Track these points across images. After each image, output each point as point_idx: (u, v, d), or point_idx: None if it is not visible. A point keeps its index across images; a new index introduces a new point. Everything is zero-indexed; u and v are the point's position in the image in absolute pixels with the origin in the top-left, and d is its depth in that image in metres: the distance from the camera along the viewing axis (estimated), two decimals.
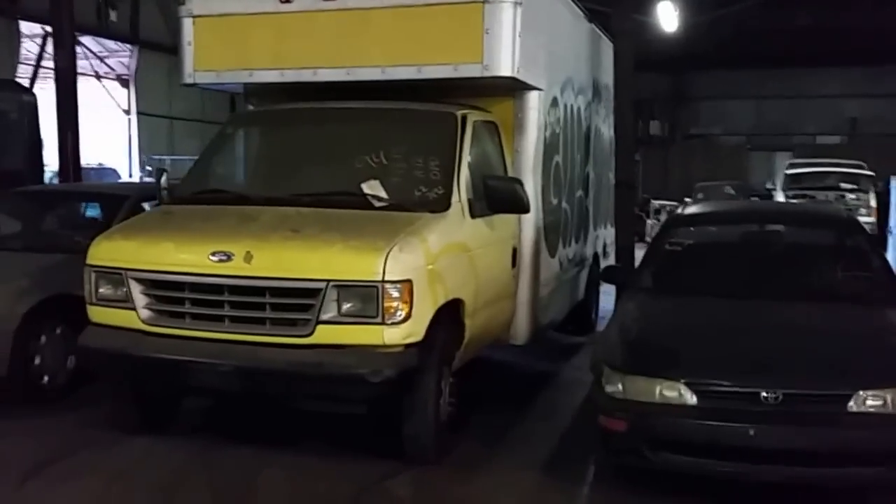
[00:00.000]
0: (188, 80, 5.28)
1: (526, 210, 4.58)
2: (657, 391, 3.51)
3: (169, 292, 4.05)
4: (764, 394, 3.33)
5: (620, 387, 3.58)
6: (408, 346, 3.80)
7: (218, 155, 5.11)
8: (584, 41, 7.02)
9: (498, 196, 4.47)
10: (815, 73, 22.49)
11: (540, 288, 5.40)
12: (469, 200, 4.48)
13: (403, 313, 3.75)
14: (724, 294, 4.20)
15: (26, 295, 5.06)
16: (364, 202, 4.34)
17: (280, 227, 4.09)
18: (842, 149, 21.84)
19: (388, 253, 3.77)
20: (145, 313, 4.07)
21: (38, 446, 4.39)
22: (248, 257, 3.87)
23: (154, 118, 23.91)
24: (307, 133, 4.92)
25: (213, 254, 3.92)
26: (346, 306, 3.77)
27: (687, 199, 16.10)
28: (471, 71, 4.70)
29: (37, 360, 5.09)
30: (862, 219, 15.23)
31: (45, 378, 5.17)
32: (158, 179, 5.19)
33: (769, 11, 19.85)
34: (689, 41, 16.99)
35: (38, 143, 12.00)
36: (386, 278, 3.73)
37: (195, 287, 3.98)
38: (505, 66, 4.68)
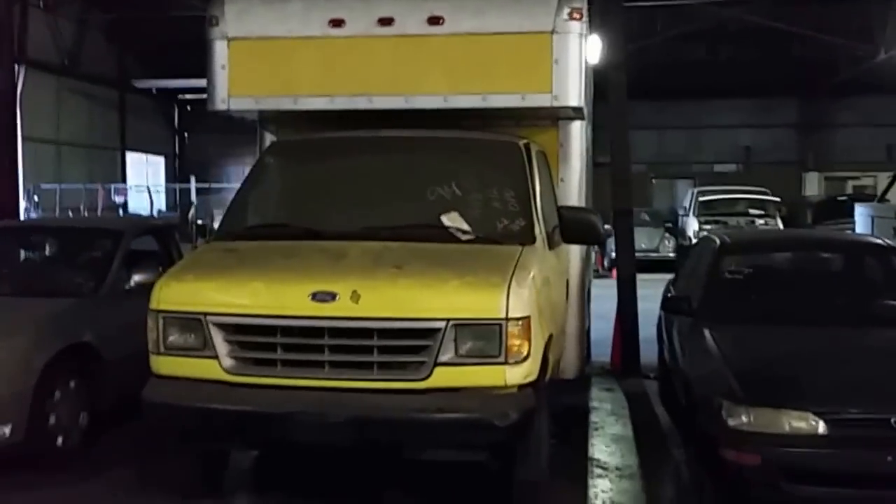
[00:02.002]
0: (221, 107, 4.89)
1: (602, 241, 4.55)
2: (786, 422, 3.52)
3: (258, 338, 3.66)
4: (893, 420, 3.43)
5: (745, 419, 3.57)
6: (523, 386, 3.64)
7: (262, 186, 4.72)
8: None
9: (575, 227, 4.40)
10: (712, 104, 23.98)
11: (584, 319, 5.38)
12: (546, 232, 4.39)
13: (525, 352, 3.58)
14: (804, 321, 4.31)
15: (42, 346, 4.48)
16: (446, 235, 4.13)
17: (377, 263, 3.83)
18: (738, 176, 23.44)
19: (509, 288, 3.60)
20: (228, 362, 3.66)
21: None
22: (356, 297, 3.57)
23: (40, 143, 22.26)
24: (366, 163, 4.65)
25: (314, 294, 3.59)
26: (465, 346, 3.54)
27: (607, 226, 16.71)
28: (540, 101, 4.64)
29: (51, 419, 4.50)
30: None
31: (60, 439, 4.58)
32: (187, 214, 4.78)
33: (672, 46, 21.29)
34: (597, 75, 17.76)
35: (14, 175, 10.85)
36: (509, 315, 3.55)
37: (290, 331, 3.62)
38: (573, 96, 4.66)
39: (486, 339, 3.54)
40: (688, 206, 18.91)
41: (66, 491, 4.19)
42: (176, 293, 3.80)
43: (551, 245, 4.44)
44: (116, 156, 26.85)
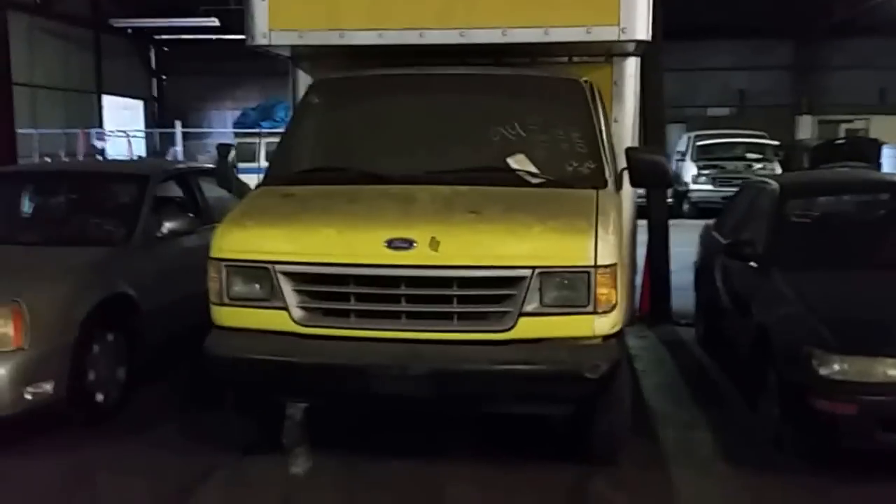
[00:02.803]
0: (262, 41, 4.53)
1: (671, 184, 4.34)
2: (881, 370, 3.41)
3: (330, 288, 3.43)
4: None
5: (838, 368, 3.45)
6: (607, 336, 3.47)
7: (310, 127, 4.40)
8: None
9: (644, 169, 4.17)
10: (705, 46, 23.58)
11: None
12: (614, 175, 4.18)
13: (613, 301, 3.40)
14: (879, 265, 4.18)
15: (81, 299, 4.21)
16: (514, 178, 3.89)
17: (451, 209, 3.59)
18: (731, 120, 23.23)
19: (597, 235, 3.40)
20: (298, 313, 3.43)
21: (153, 479, 3.66)
22: (434, 244, 3.34)
23: (14, 86, 21.33)
24: (422, 102, 4.34)
25: (390, 241, 3.35)
26: (552, 296, 3.34)
27: None
28: (606, 34, 4.35)
29: (91, 375, 4.26)
30: None
31: (100, 395, 4.35)
32: (225, 156, 4.48)
33: None
34: None
35: None
36: (598, 262, 3.35)
37: (364, 280, 3.40)
38: (641, 29, 4.38)
39: (574, 287, 3.35)
40: (684, 151, 18.71)
41: (111, 449, 3.99)
42: (240, 241, 3.54)
43: (616, 188, 4.24)
44: (93, 99, 25.91)
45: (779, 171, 17.30)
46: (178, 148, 21.27)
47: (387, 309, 3.42)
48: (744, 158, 17.92)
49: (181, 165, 6.42)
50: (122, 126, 25.57)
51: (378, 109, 4.39)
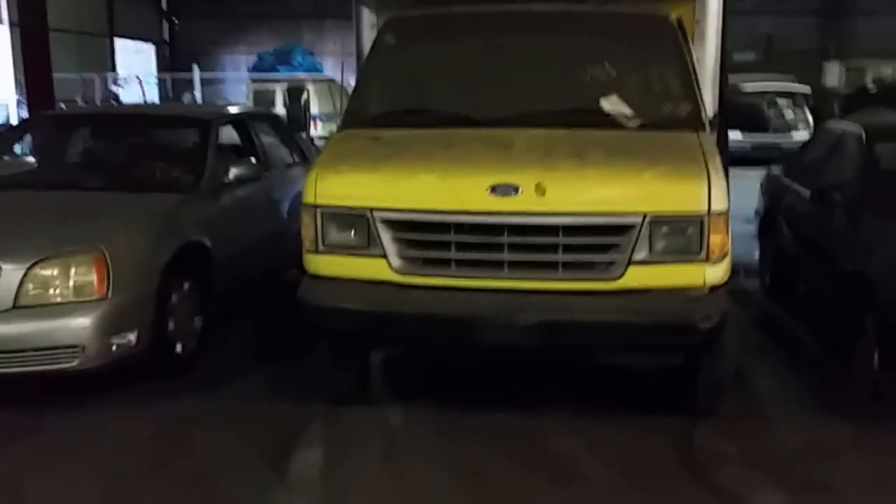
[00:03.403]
0: None
1: (768, 128, 4.16)
2: None
3: (431, 236, 3.32)
4: None
5: None
6: (715, 287, 3.35)
7: (388, 68, 4.21)
8: None
9: (743, 111, 4.02)
10: None
11: None
12: (708, 117, 4.00)
13: (725, 249, 3.28)
14: None
15: (161, 247, 4.10)
16: (609, 121, 3.74)
17: (553, 153, 3.44)
18: (757, 65, 22.64)
19: (709, 180, 3.26)
20: (397, 262, 3.34)
21: (250, 430, 3.60)
22: (540, 190, 3.21)
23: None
24: (505, 41, 4.13)
25: (494, 187, 3.22)
26: (663, 244, 3.23)
27: None
28: None
29: (170, 325, 4.17)
30: (800, 133, 16.04)
31: (179, 345, 4.27)
32: (298, 98, 4.32)
33: None
34: None
35: None
36: (712, 209, 3.23)
37: (466, 228, 3.28)
38: None
39: (686, 235, 3.23)
40: None
41: (199, 401, 3.93)
42: (337, 187, 3.42)
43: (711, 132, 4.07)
44: (105, 43, 25.44)
45: (809, 118, 16.99)
46: (197, 94, 20.89)
47: (489, 258, 3.31)
48: (774, 104, 17.55)
49: (240, 110, 6.21)
50: (134, 71, 25.17)
51: (460, 48, 4.19)
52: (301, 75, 20.71)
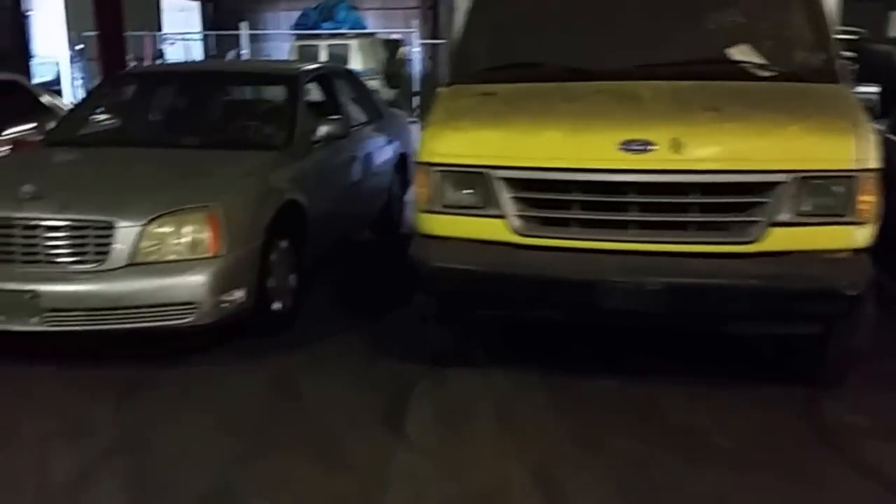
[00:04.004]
0: None
1: None
2: None
3: (553, 195, 3.19)
4: None
5: None
6: (859, 250, 3.15)
7: (494, 19, 4.03)
8: None
9: (878, 63, 3.76)
10: None
11: None
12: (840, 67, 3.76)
13: (875, 210, 3.09)
14: None
15: (265, 204, 4.04)
16: (739, 72, 3.54)
17: (685, 106, 3.27)
18: None
19: (861, 136, 3.06)
20: (517, 222, 3.22)
21: (359, 389, 3.57)
22: (676, 146, 3.05)
23: None
24: None
25: (625, 143, 3.07)
26: (809, 204, 3.04)
27: None
28: None
29: (270, 283, 4.15)
30: None
31: (277, 304, 4.24)
32: (394, 53, 4.18)
33: None
34: None
35: (21, 21, 10.16)
36: (863, 167, 3.03)
37: (592, 187, 3.14)
38: None
39: (835, 195, 3.04)
40: None
41: (302, 358, 3.91)
42: (454, 144, 3.30)
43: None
44: (152, 2, 25.36)
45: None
46: (245, 51, 20.79)
47: (615, 218, 3.17)
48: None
49: (324, 67, 6.09)
50: (178, 29, 25.13)
51: None
52: (345, 31, 20.55)
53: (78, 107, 5.22)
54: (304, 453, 3.03)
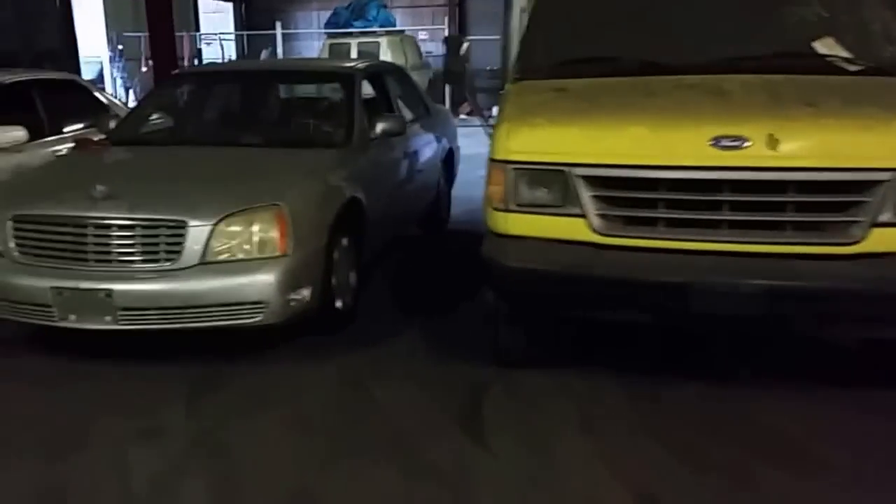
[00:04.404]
0: None
1: None
2: None
3: (638, 193, 3.07)
4: None
5: None
6: None
7: (562, 12, 3.95)
8: None
9: None
10: None
11: None
12: None
13: None
14: None
15: (329, 203, 4.00)
16: (826, 65, 3.41)
17: (778, 101, 3.14)
18: None
19: None
20: (598, 221, 3.12)
21: (430, 389, 3.50)
22: (772, 142, 2.92)
23: None
24: None
25: (717, 140, 2.95)
26: None
27: None
28: None
29: (333, 281, 4.10)
30: None
31: (339, 302, 4.19)
32: (456, 50, 4.11)
33: None
34: None
35: (70, 20, 10.27)
36: None
37: (681, 185, 3.02)
38: None
39: None
40: None
41: (367, 357, 3.86)
42: (532, 141, 3.19)
43: None
44: (189, 2, 25.61)
45: None
46: (279, 50, 20.91)
47: (706, 217, 3.04)
48: None
49: (378, 65, 6.04)
50: (213, 29, 25.36)
51: None
52: (376, 29, 20.59)
53: (139, 106, 5.22)
54: (384, 458, 2.96)
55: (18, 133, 4.89)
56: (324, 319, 4.01)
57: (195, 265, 3.48)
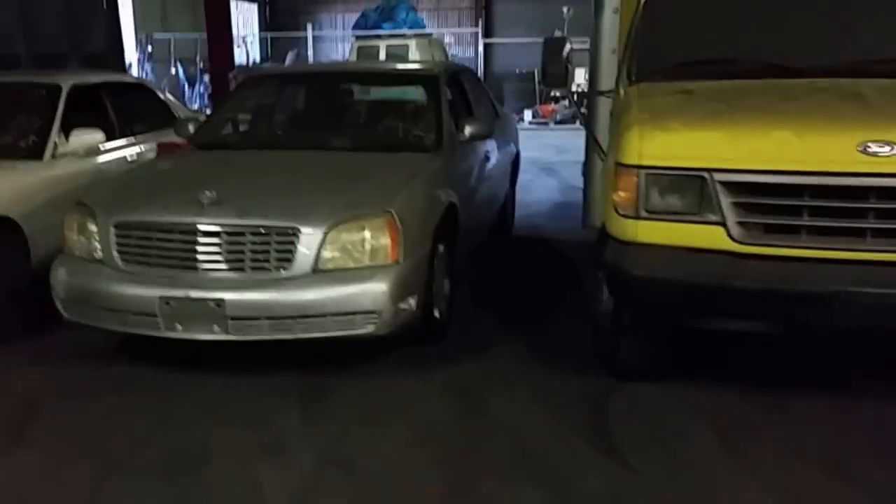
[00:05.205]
0: None
1: None
2: None
3: (780, 200, 2.94)
4: None
5: None
6: None
7: (676, 13, 3.83)
8: None
9: None
10: None
11: None
12: None
13: None
14: None
15: (432, 208, 3.90)
16: None
17: None
18: None
19: None
20: (737, 229, 2.99)
21: (544, 400, 3.40)
22: None
23: None
24: None
25: (864, 145, 2.81)
26: None
27: None
28: None
29: (433, 289, 3.98)
30: None
31: (437, 310, 4.08)
32: (559, 51, 4.00)
33: None
34: None
35: (117, 22, 10.23)
36: None
37: (825, 191, 2.88)
38: None
39: None
40: None
41: (470, 366, 3.77)
42: (668, 146, 3.06)
43: None
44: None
45: None
46: (310, 52, 20.90)
47: (851, 225, 2.91)
48: None
49: (457, 65, 5.94)
50: (239, 30, 25.36)
51: None
52: (405, 31, 20.55)
53: (218, 109, 5.13)
54: (527, 481, 2.81)
55: (97, 136, 4.82)
56: (424, 328, 3.89)
57: (307, 273, 3.38)
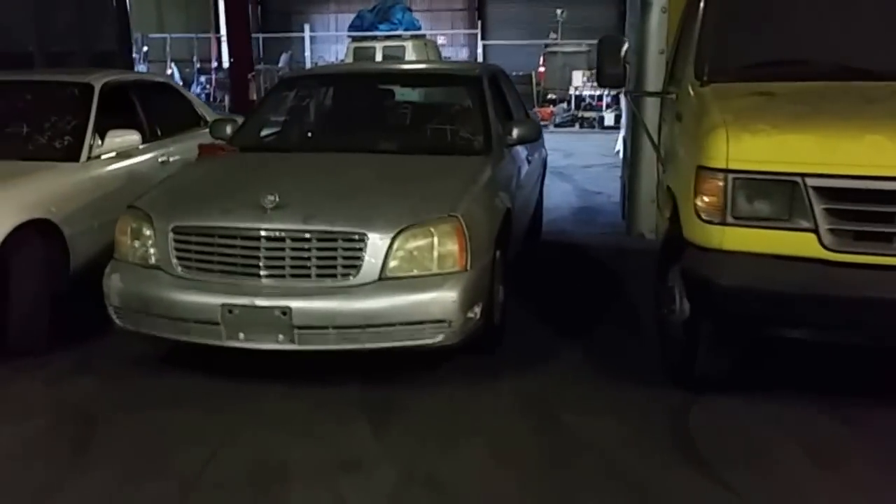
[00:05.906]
0: None
1: None
2: None
3: (876, 206, 2.86)
4: None
5: None
6: None
7: (739, 13, 3.76)
8: None
9: None
10: None
11: None
12: None
13: None
14: None
15: (493, 212, 3.80)
16: None
17: None
18: None
19: None
20: (829, 236, 2.91)
21: (613, 411, 3.31)
22: None
23: None
24: None
25: None
26: None
27: None
28: None
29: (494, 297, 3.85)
30: None
31: (496, 317, 3.98)
32: (617, 51, 3.92)
33: None
34: None
35: (126, 22, 10.07)
36: None
37: None
38: None
39: None
40: None
41: (534, 378, 3.66)
42: (756, 149, 2.97)
43: None
44: (210, 3, 25.41)
45: None
46: (307, 53, 20.75)
47: None
48: None
49: (493, 66, 5.83)
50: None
51: None
52: (401, 32, 20.47)
53: (257, 111, 4.98)
54: (622, 499, 2.71)
55: (134, 137, 4.66)
56: (484, 337, 3.74)
57: (375, 281, 3.26)
